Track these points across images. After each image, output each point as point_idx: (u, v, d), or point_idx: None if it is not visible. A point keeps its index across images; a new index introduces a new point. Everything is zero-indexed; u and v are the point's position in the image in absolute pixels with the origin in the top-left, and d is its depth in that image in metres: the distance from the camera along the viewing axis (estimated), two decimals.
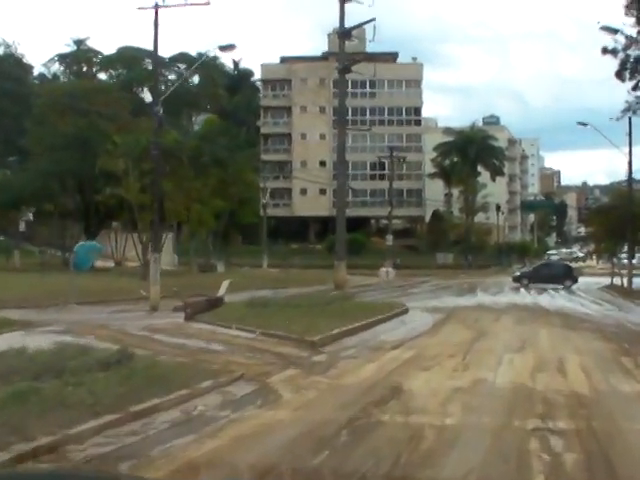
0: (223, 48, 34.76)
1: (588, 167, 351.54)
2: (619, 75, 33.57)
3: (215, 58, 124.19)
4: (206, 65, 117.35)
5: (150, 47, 32.09)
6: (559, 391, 12.14)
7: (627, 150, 40.40)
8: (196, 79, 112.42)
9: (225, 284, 26.25)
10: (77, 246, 32.40)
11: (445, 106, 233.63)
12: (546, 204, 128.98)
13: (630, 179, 41.30)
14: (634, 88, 34.25)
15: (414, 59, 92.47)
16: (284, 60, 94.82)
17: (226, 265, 54.86)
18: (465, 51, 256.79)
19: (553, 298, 38.58)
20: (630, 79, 34.00)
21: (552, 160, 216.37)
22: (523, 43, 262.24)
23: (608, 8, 36.99)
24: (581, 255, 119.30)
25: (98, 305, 28.36)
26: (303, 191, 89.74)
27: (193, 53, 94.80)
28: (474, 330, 21.01)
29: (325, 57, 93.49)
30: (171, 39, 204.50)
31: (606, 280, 54.44)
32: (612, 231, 45.05)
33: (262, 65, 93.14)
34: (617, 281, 48.05)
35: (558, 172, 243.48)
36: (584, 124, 42.09)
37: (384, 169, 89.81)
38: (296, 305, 23.51)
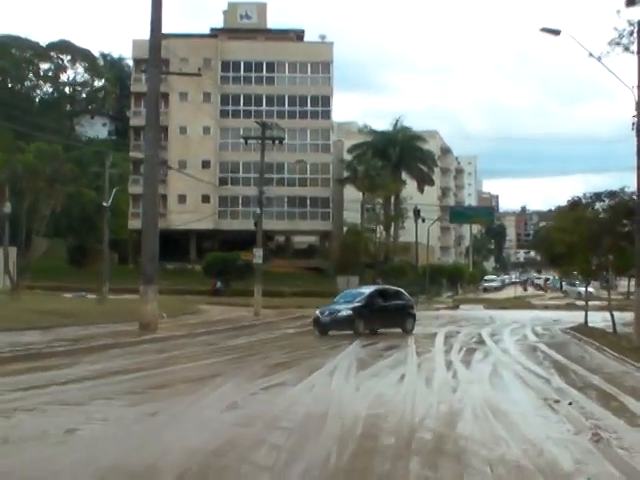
0: None
1: (525, 195, 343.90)
2: None
3: (121, 59, 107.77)
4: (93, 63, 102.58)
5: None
6: None
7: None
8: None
9: None
10: None
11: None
12: (482, 212, 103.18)
13: None
14: (629, 3, 23.28)
15: (322, 37, 74.73)
16: (163, 37, 76.49)
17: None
18: (405, 79, 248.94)
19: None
20: None
21: (490, 186, 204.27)
22: (464, 72, 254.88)
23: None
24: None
25: None
26: (181, 198, 71.49)
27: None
28: None
29: (214, 34, 76.04)
30: (53, 23, 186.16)
31: (564, 316, 37.83)
32: (593, 243, 26.99)
33: (134, 41, 74.16)
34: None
35: (497, 197, 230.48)
36: (556, 32, 24.86)
37: (283, 172, 72.67)
38: None
